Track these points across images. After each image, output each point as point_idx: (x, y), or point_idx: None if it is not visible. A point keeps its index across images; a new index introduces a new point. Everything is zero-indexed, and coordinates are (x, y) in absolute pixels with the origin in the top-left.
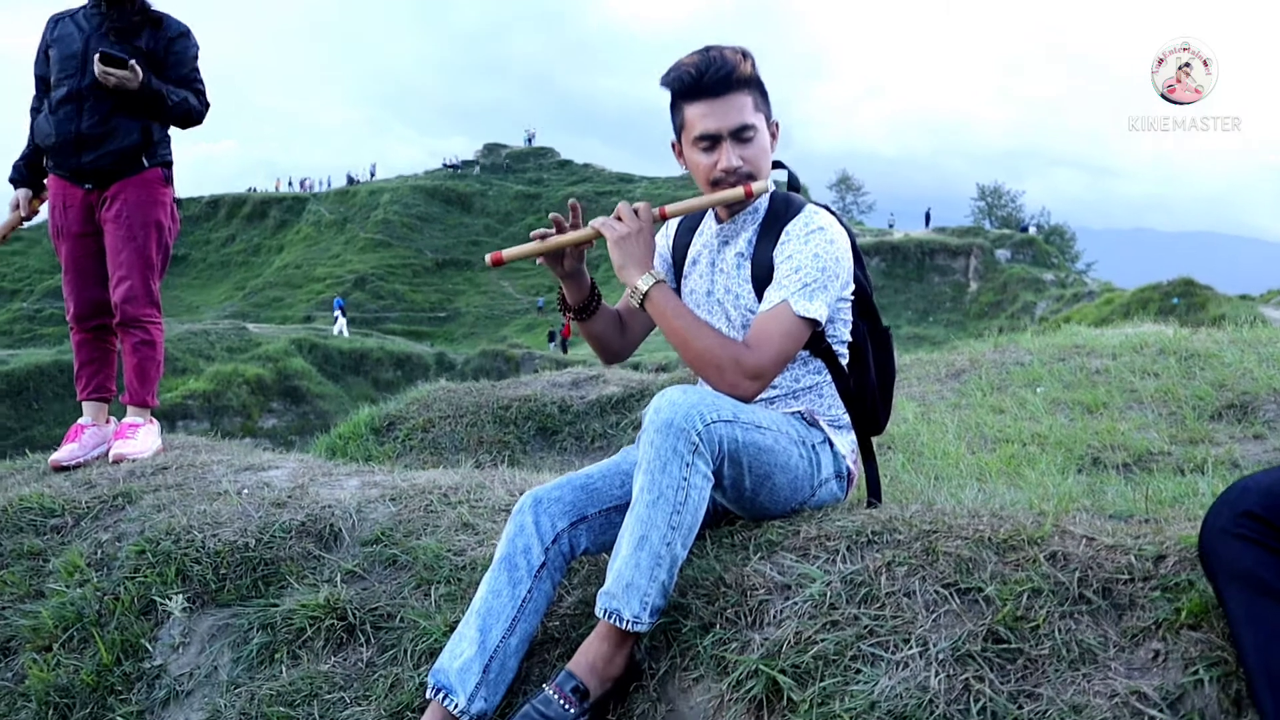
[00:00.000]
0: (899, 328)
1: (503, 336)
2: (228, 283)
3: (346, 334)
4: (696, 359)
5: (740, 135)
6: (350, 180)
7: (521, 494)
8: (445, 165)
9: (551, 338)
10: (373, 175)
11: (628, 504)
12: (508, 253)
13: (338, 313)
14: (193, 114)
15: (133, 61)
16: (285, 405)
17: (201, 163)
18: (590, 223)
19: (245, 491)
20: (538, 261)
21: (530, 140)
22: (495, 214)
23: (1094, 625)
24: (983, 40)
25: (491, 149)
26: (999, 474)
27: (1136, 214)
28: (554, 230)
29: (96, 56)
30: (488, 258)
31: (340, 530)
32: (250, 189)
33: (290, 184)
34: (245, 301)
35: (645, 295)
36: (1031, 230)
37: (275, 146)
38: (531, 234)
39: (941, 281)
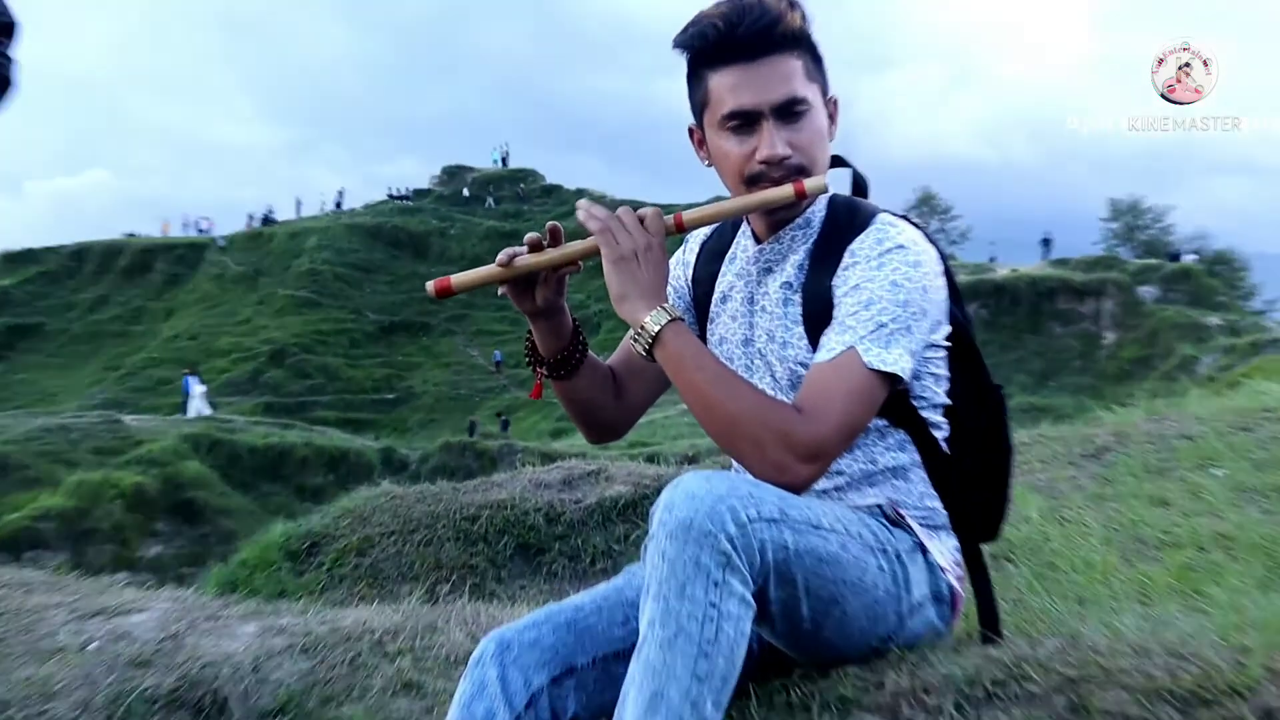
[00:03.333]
0: (1008, 397)
1: (472, 424)
2: (97, 360)
3: (206, 411)
4: (727, 430)
5: (788, 112)
6: (265, 220)
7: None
8: (391, 196)
9: (472, 429)
10: (339, 205)
11: (634, 647)
12: (459, 279)
13: (191, 391)
14: None
15: None
16: (176, 526)
17: (59, 201)
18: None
19: (93, 646)
20: (500, 291)
21: (503, 161)
22: (460, 259)
23: None
24: None
25: (453, 173)
26: (1170, 593)
27: None
28: (526, 250)
29: None
30: (430, 286)
31: (227, 698)
32: (128, 234)
33: (184, 227)
34: (121, 385)
35: (656, 338)
36: (1187, 259)
37: (161, 177)
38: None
39: (1065, 332)
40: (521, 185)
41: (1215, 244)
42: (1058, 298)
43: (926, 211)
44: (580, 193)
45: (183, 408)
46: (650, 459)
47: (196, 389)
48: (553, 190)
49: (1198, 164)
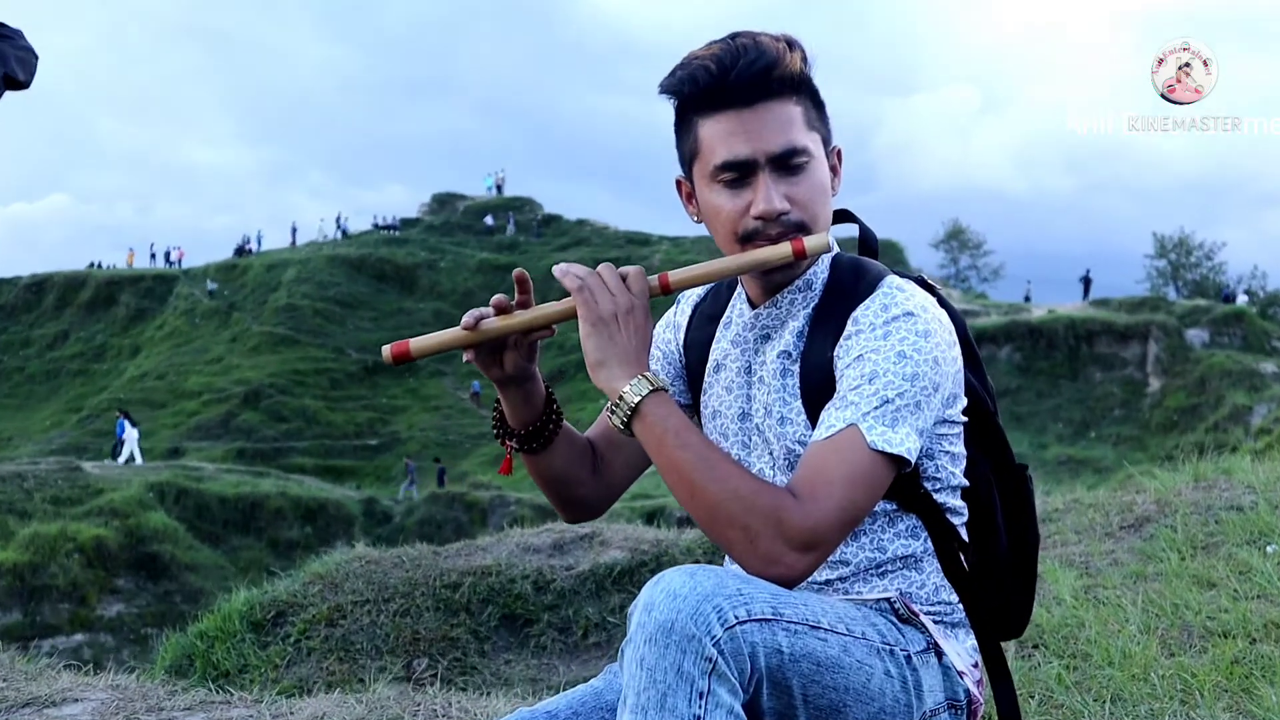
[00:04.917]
0: (1044, 447)
1: (462, 473)
2: (55, 401)
3: (140, 459)
4: (712, 515)
5: (786, 163)
6: (239, 250)
7: None
8: (377, 226)
9: (411, 477)
10: (344, 234)
11: None
12: (419, 343)
13: (124, 435)
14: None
15: None
16: (139, 583)
17: (16, 228)
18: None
19: None
20: (466, 357)
21: (499, 188)
22: (450, 294)
23: None
24: (1145, 16)
25: (443, 201)
26: (1215, 691)
27: None
28: (493, 313)
29: None
30: (386, 350)
31: None
32: (92, 264)
33: (152, 257)
34: (81, 429)
35: (635, 410)
36: (1240, 299)
37: (129, 202)
38: (464, 319)
39: (1106, 378)
40: (537, 218)
41: (1270, 283)
42: (1098, 341)
43: (956, 246)
44: (581, 223)
45: (114, 452)
46: (650, 517)
47: (130, 432)
48: (551, 220)
49: (1251, 196)
